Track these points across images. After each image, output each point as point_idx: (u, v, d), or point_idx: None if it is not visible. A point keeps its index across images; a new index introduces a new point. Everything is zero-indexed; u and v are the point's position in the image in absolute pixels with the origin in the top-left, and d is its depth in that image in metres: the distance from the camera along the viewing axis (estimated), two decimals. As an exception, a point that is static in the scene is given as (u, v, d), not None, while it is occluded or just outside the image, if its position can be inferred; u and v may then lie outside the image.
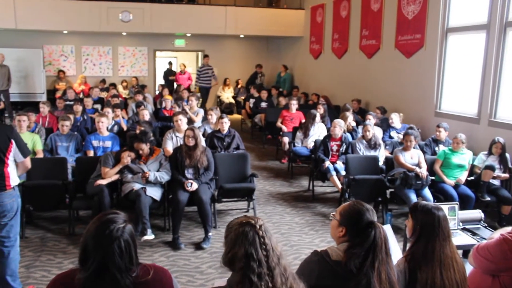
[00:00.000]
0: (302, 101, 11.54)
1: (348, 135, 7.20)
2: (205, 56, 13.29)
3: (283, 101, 10.93)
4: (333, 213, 2.43)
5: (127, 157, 5.27)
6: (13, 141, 3.53)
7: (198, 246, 5.04)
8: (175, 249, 4.97)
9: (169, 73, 14.11)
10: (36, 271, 4.44)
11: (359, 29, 10.50)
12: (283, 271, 1.96)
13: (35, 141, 6.10)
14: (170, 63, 14.65)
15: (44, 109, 7.85)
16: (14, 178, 3.62)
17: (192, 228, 5.56)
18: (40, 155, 6.03)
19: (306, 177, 7.64)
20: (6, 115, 11.44)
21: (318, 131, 7.84)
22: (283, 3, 14.94)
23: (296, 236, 5.39)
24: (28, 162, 3.70)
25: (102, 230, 1.81)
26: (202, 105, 12.32)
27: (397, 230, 5.58)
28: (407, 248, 2.74)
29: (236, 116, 12.93)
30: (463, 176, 5.84)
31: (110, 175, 5.25)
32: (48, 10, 12.07)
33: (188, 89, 12.93)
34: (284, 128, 8.86)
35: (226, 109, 13.23)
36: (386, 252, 2.20)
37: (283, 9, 14.25)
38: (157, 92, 13.48)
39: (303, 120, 8.82)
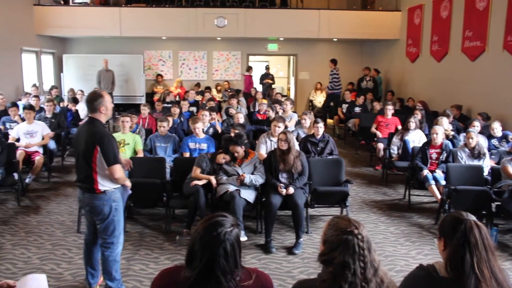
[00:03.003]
0: (397, 106, 11.11)
1: (449, 142, 6.77)
2: (332, 60, 13.12)
3: (377, 106, 10.61)
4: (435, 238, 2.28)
5: (222, 159, 5.37)
6: (98, 147, 3.58)
7: (289, 251, 5.00)
8: (267, 252, 4.97)
9: (265, 77, 14.28)
10: (135, 264, 4.66)
11: (461, 30, 9.90)
12: (379, 282, 1.88)
13: (136, 141, 6.45)
14: (267, 67, 14.83)
15: (145, 111, 8.29)
16: (103, 183, 3.68)
17: (284, 232, 5.54)
18: (141, 154, 6.35)
19: (402, 185, 7.33)
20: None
21: (415, 137, 7.48)
22: (378, 5, 14.53)
23: (391, 247, 5.17)
24: (113, 171, 3.63)
25: (209, 232, 1.84)
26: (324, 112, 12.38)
27: (503, 247, 5.16)
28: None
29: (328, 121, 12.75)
30: None
31: (198, 177, 5.40)
32: (149, 18, 12.81)
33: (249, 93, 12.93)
34: (379, 134, 8.59)
35: (318, 113, 13.08)
36: (486, 249, 2.01)
37: (378, 11, 13.87)
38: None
39: (399, 126, 8.50)
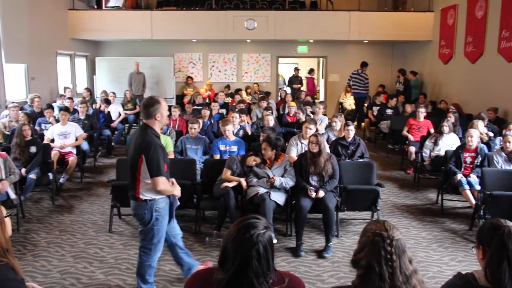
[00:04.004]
0: (429, 109, 10.90)
1: (484, 146, 6.58)
2: (363, 63, 12.95)
3: (409, 108, 10.43)
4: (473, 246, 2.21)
5: (252, 162, 5.38)
6: (143, 156, 3.52)
7: (319, 254, 4.96)
8: (296, 255, 4.94)
9: (294, 80, 14.26)
10: (165, 264, 4.70)
11: (497, 30, 9.63)
12: None
13: (167, 143, 6.51)
14: (296, 69, 14.80)
15: (175, 113, 8.37)
16: (144, 192, 3.63)
17: (314, 235, 5.50)
18: (171, 156, 6.41)
19: (434, 190, 7.18)
20: (141, 118, 12.40)
21: (449, 141, 7.31)
22: (409, 6, 14.29)
23: (423, 252, 5.06)
24: (155, 182, 3.53)
25: (242, 234, 1.83)
26: (354, 114, 12.21)
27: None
28: None
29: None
30: None
31: (228, 179, 5.42)
32: (180, 21, 12.97)
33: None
34: (411, 137, 8.43)
35: (348, 116, 12.97)
36: None
37: (409, 12, 13.62)
38: (278, 98, 13.70)
39: (432, 129, 8.33)
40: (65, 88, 11.59)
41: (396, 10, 14.72)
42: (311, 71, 13.57)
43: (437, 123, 7.73)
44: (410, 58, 14.42)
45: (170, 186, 3.71)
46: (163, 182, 3.56)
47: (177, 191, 3.83)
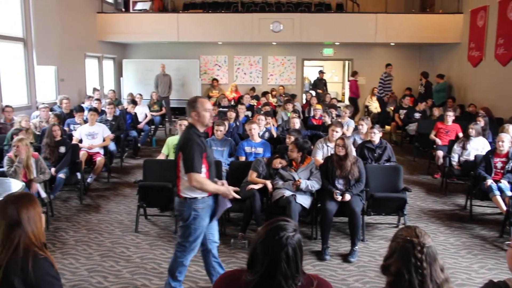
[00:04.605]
0: (458, 113, 10.69)
1: (516, 151, 6.42)
2: (388, 64, 12.84)
3: (436, 112, 10.26)
4: (508, 242, 2.14)
5: (278, 164, 5.37)
6: (181, 152, 3.60)
7: (345, 258, 4.92)
8: (321, 259, 4.90)
9: (318, 83, 14.18)
10: (191, 265, 4.69)
11: (530, 32, 9.40)
12: None
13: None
14: (320, 72, 14.72)
15: (201, 114, 8.39)
16: (185, 190, 3.65)
17: (339, 239, 5.45)
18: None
19: (462, 195, 7.03)
20: (166, 119, 12.55)
21: (477, 145, 7.16)
22: (438, 7, 14.07)
23: (451, 259, 4.96)
24: (189, 177, 3.54)
25: (272, 236, 1.83)
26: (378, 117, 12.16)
27: None
28: None
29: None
30: None
31: (254, 181, 5.42)
32: (206, 24, 13.06)
33: None
34: (438, 141, 8.29)
35: (373, 119, 12.82)
36: None
37: (438, 14, 13.41)
38: (304, 101, 13.66)
39: (460, 133, 8.17)
40: (94, 89, 11.80)
41: (424, 12, 14.52)
42: (354, 73, 13.35)
43: (465, 127, 7.57)
44: (437, 61, 14.20)
45: (210, 185, 3.63)
46: (196, 179, 3.52)
47: (225, 191, 3.73)
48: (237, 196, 3.84)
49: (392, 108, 12.46)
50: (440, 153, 7.92)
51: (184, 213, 3.69)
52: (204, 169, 3.62)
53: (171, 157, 6.42)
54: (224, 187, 3.74)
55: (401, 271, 1.82)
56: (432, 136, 8.54)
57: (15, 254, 2.17)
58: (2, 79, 8.78)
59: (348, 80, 13.62)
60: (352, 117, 8.98)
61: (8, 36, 9.12)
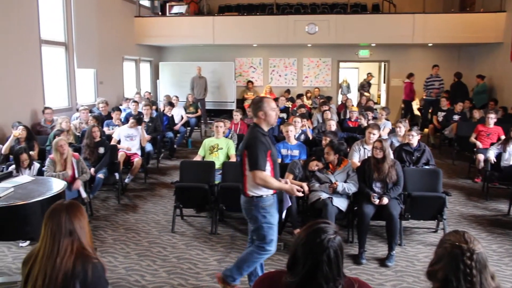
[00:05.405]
0: (500, 115, 10.35)
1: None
2: (434, 66, 12.53)
3: (477, 114, 9.97)
4: None
5: (315, 166, 5.33)
6: (246, 151, 3.64)
7: (381, 263, 4.84)
8: (358, 263, 4.84)
9: (365, 86, 14.01)
10: (226, 266, 4.73)
11: None
12: None
13: (229, 146, 6.59)
14: (369, 75, 14.54)
15: (237, 116, 8.48)
16: (252, 188, 3.67)
17: (376, 243, 5.36)
18: (233, 159, 6.48)
19: (505, 200, 6.80)
20: (202, 121, 12.68)
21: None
22: (479, 6, 13.66)
23: (494, 266, 4.79)
24: (253, 175, 3.58)
25: (313, 238, 1.81)
26: (424, 119, 11.94)
27: None
28: None
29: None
30: None
31: (291, 183, 5.37)
32: (241, 27, 13.14)
33: None
34: (479, 144, 8.04)
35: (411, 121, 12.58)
36: None
37: (479, 13, 13.01)
38: (339, 103, 13.53)
39: (502, 136, 7.91)
40: (136, 93, 12.09)
41: (464, 11, 14.12)
42: (410, 75, 13.04)
43: (508, 130, 7.32)
44: (478, 62, 13.78)
45: (274, 182, 3.64)
46: (260, 177, 3.55)
47: (289, 189, 3.74)
48: (301, 194, 3.85)
49: (430, 110, 12.17)
50: (481, 157, 7.67)
51: (253, 212, 3.72)
52: (269, 167, 3.66)
53: (207, 158, 6.48)
54: (288, 185, 3.76)
55: (449, 278, 1.76)
56: (473, 139, 8.29)
57: (74, 260, 2.27)
58: (45, 82, 9.06)
59: (404, 82, 13.26)
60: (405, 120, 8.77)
61: (51, 41, 9.42)
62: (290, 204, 3.91)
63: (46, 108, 8.38)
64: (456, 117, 10.32)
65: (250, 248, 3.87)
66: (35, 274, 2.26)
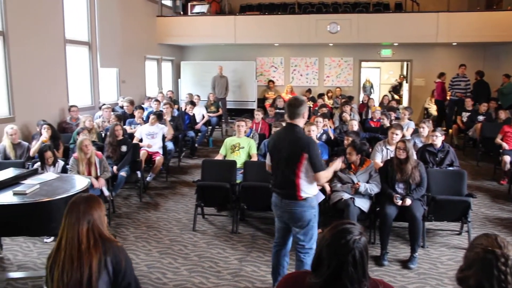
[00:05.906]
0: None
1: None
2: (461, 65, 12.25)
3: (503, 114, 9.74)
4: None
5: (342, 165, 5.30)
6: (305, 154, 3.56)
7: (404, 265, 4.78)
8: (380, 264, 4.79)
9: (399, 87, 13.86)
10: (247, 265, 4.75)
11: None
12: None
13: (251, 145, 6.59)
14: (402, 76, 14.38)
15: (258, 116, 8.48)
16: (306, 190, 3.66)
17: (398, 244, 5.30)
18: (255, 158, 6.47)
19: (532, 203, 6.66)
20: (223, 120, 12.71)
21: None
22: (506, 4, 13.35)
23: (521, 270, 4.68)
24: (319, 177, 3.63)
25: (338, 239, 1.79)
26: (449, 120, 11.81)
27: None
28: None
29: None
30: None
31: None
32: (262, 26, 13.11)
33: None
34: (505, 146, 7.88)
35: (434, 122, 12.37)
36: None
37: (506, 11, 12.72)
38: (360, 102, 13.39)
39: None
40: (159, 92, 12.20)
41: (490, 9, 13.83)
42: (441, 75, 12.80)
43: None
44: (503, 61, 13.47)
45: (331, 172, 3.83)
46: (324, 176, 3.69)
47: (336, 168, 3.95)
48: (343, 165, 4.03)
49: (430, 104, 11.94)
50: (507, 158, 7.53)
51: (305, 214, 3.69)
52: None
53: (229, 157, 6.49)
54: (333, 166, 3.94)
55: (482, 285, 1.68)
56: (498, 140, 8.12)
57: (101, 245, 2.42)
58: (69, 81, 9.20)
59: (435, 82, 13.02)
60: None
61: (75, 40, 9.55)
62: (323, 197, 3.93)
63: (71, 106, 8.52)
64: (480, 118, 10.11)
65: (299, 260, 3.82)
66: (60, 262, 2.36)
